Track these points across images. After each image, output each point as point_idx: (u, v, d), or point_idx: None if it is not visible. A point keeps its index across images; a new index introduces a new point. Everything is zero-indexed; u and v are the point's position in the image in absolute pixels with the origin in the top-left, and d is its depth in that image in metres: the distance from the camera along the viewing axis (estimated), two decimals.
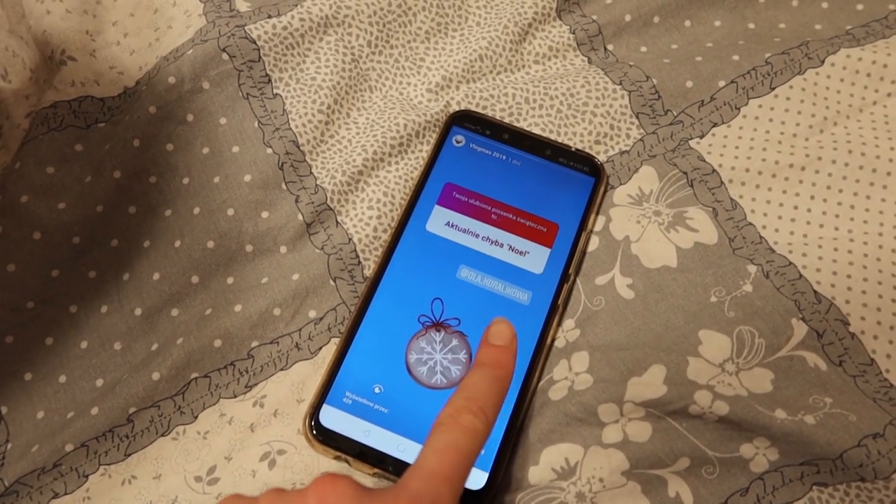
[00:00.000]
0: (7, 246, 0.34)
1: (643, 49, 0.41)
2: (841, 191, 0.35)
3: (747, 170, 0.36)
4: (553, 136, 0.38)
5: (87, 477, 0.32)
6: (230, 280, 0.36)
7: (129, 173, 0.36)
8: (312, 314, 0.35)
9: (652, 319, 0.33)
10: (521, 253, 0.35)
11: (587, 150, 0.38)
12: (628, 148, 0.38)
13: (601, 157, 0.38)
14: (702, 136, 0.37)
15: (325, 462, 0.32)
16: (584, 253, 0.35)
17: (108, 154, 0.36)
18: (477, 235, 0.35)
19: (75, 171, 0.36)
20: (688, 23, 0.41)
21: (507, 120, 0.38)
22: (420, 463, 0.24)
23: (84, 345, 0.35)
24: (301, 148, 0.37)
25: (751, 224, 0.35)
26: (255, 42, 0.37)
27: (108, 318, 0.35)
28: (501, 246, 0.35)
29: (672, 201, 0.36)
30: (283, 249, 0.36)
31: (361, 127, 0.38)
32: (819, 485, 0.29)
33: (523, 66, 0.40)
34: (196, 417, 0.33)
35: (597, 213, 0.36)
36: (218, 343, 0.34)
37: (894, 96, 0.37)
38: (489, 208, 0.36)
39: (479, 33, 0.40)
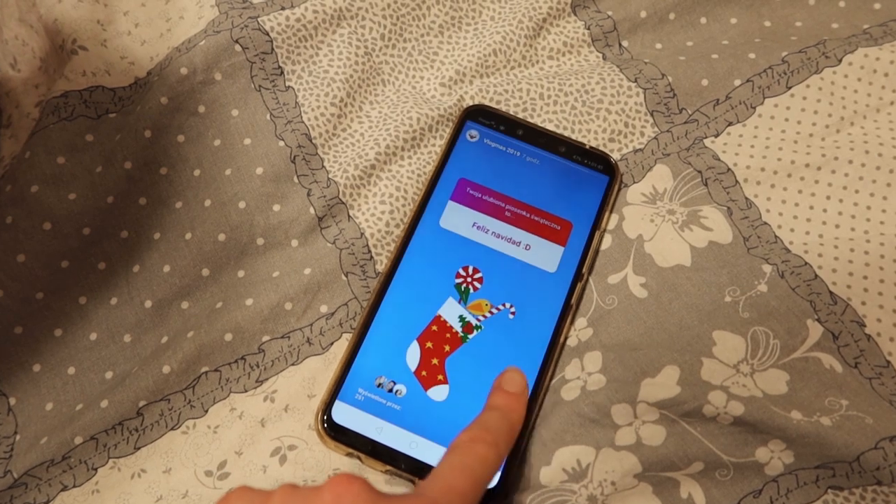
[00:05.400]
0: (17, 236, 0.34)
1: (658, 46, 0.40)
2: (857, 191, 0.35)
3: (763, 169, 0.36)
4: (567, 133, 0.37)
5: (96, 470, 0.32)
6: (241, 273, 0.35)
7: (139, 164, 0.36)
8: (324, 309, 0.35)
9: (665, 319, 0.32)
10: (534, 251, 0.34)
11: (601, 148, 0.37)
12: (642, 146, 0.37)
13: (615, 155, 0.37)
14: (717, 135, 0.37)
15: (337, 458, 0.31)
16: (597, 251, 0.35)
17: (119, 145, 0.36)
18: (491, 232, 0.35)
19: (86, 161, 0.35)
20: (703, 20, 0.41)
21: (520, 115, 0.38)
22: (438, 474, 0.25)
23: (93, 336, 0.34)
24: (313, 141, 0.36)
25: (766, 224, 0.34)
26: (268, 34, 0.37)
27: (117, 310, 0.35)
28: (515, 243, 0.35)
29: (686, 200, 0.35)
30: (294, 243, 0.36)
31: (374, 121, 0.38)
32: (834, 488, 0.29)
33: (537, 62, 0.40)
34: (206, 411, 0.33)
35: (610, 212, 0.36)
36: (228, 337, 0.34)
37: None
38: (503, 205, 0.35)
39: (493, 28, 0.40)
